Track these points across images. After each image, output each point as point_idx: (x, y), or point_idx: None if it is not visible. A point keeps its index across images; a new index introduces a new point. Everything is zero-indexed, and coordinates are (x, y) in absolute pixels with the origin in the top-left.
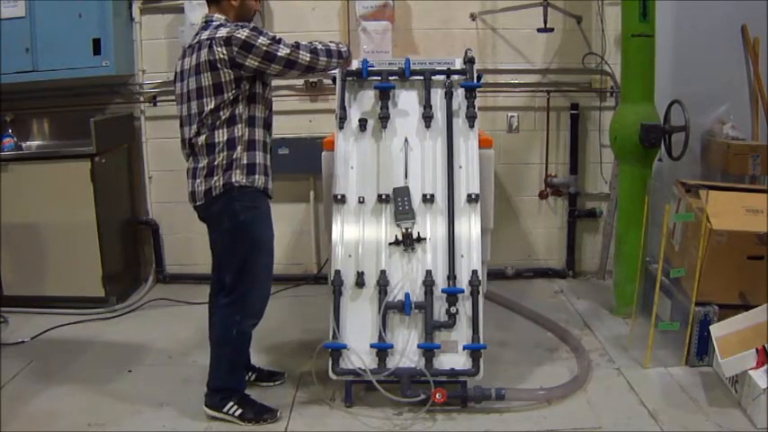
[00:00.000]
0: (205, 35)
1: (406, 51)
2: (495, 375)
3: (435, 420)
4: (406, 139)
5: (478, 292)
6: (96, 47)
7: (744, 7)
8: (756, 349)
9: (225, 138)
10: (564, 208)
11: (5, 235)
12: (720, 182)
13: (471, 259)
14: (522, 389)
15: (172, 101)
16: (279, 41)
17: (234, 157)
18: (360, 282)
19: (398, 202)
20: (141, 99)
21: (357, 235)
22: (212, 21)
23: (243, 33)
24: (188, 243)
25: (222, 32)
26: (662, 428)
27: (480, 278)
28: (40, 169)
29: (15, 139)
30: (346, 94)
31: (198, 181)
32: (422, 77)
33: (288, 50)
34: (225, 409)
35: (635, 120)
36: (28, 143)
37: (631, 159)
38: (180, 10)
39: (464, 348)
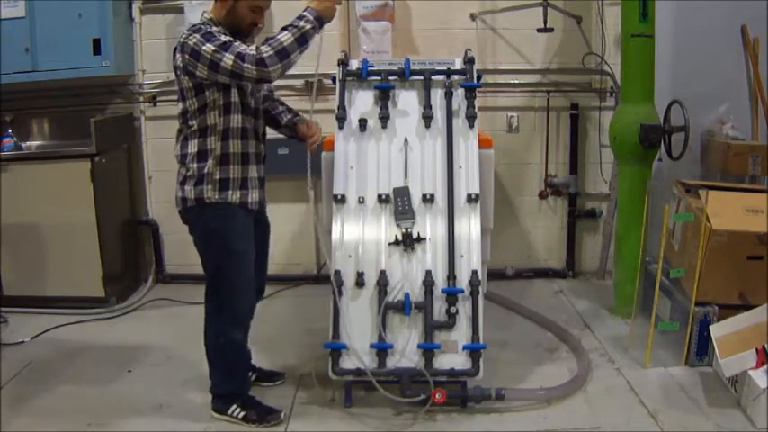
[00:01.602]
0: None
1: (406, 51)
2: (495, 375)
3: (435, 420)
4: (405, 139)
5: (478, 292)
6: (96, 47)
7: (744, 7)
8: (756, 349)
9: (195, 149)
10: (564, 208)
11: (5, 235)
12: (720, 182)
13: (471, 259)
14: (522, 389)
15: (172, 101)
16: (226, 48)
17: (205, 171)
18: (360, 282)
19: (398, 202)
20: (141, 99)
21: (357, 235)
22: (202, 19)
23: (192, 40)
24: (188, 243)
25: (182, 37)
26: (662, 428)
27: (480, 278)
28: (40, 169)
29: (15, 139)
30: (346, 94)
31: (176, 187)
32: (422, 77)
33: (231, 62)
34: (229, 412)
35: (635, 120)
36: (28, 143)
37: (631, 159)
38: (180, 10)
39: (464, 348)
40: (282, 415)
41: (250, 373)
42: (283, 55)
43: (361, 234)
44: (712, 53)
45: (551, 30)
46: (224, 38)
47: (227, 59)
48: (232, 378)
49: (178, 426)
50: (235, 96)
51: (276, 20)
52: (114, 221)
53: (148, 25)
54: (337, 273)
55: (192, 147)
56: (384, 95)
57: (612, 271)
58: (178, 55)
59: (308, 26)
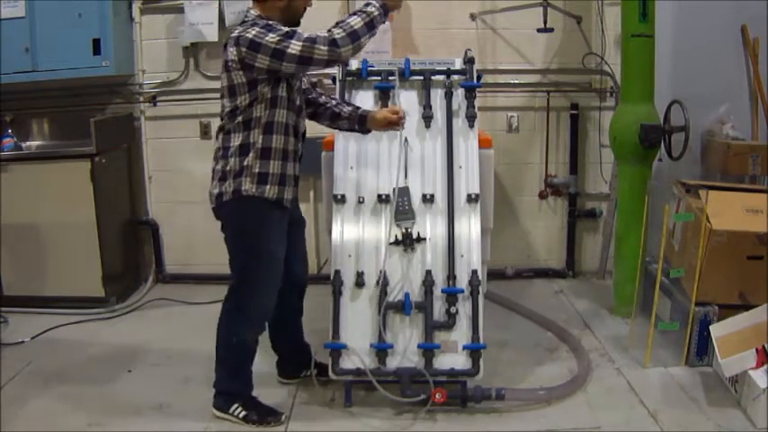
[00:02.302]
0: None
1: (406, 51)
2: (495, 375)
3: (435, 420)
4: (406, 139)
5: (478, 292)
6: (96, 47)
7: (744, 7)
8: (756, 349)
9: (239, 142)
10: (564, 208)
11: (5, 235)
12: (720, 182)
13: (471, 259)
14: (522, 389)
15: (172, 101)
16: (291, 36)
17: (245, 163)
18: (360, 282)
19: (398, 202)
20: (141, 99)
21: (357, 235)
22: (246, 18)
23: (251, 32)
24: (188, 243)
25: (236, 32)
26: (662, 428)
27: (480, 278)
28: (40, 169)
29: (15, 139)
30: (346, 95)
31: (214, 183)
32: (422, 77)
33: (299, 47)
34: (230, 411)
35: (635, 120)
36: (28, 143)
37: (631, 159)
38: (180, 10)
39: (464, 348)
40: (283, 417)
41: (313, 370)
42: (354, 37)
43: (361, 234)
44: (712, 53)
45: (551, 30)
46: (285, 29)
47: (295, 45)
48: (237, 377)
49: (178, 426)
50: (282, 91)
51: None
52: (114, 221)
53: (148, 25)
54: (337, 273)
55: (236, 140)
56: (384, 95)
57: (612, 271)
58: (231, 49)
59: (376, 12)
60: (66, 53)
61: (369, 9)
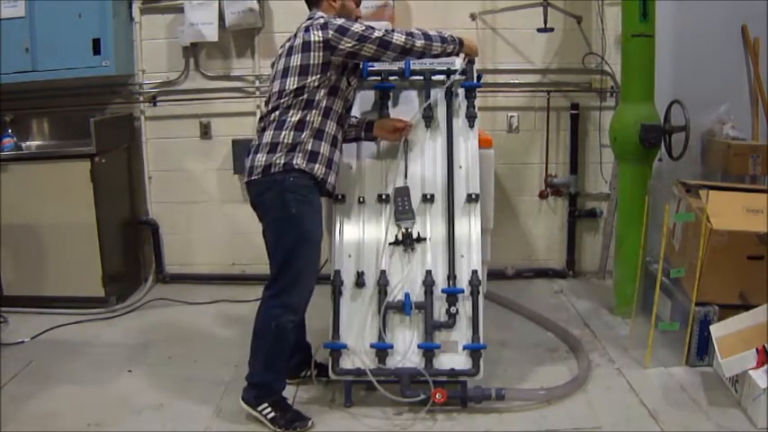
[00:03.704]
0: (304, 25)
1: None
2: (495, 375)
3: (435, 420)
4: (406, 139)
5: (478, 292)
6: (96, 47)
7: (744, 7)
8: (756, 349)
9: (296, 119)
10: (564, 208)
11: (5, 235)
12: (720, 182)
13: (471, 259)
14: (522, 389)
15: (172, 101)
16: (373, 28)
17: (299, 139)
18: (360, 282)
19: (398, 202)
20: (141, 99)
21: (357, 235)
22: (314, 17)
23: (339, 21)
24: (188, 243)
25: (320, 20)
26: (662, 428)
27: (480, 278)
28: (40, 169)
29: (15, 139)
30: None
31: (259, 156)
32: (422, 77)
33: (381, 33)
34: (259, 408)
35: (635, 120)
36: (28, 143)
37: (631, 159)
38: (180, 10)
39: (464, 348)
40: (310, 422)
41: (313, 370)
42: (426, 37)
43: (361, 234)
44: (712, 53)
45: (551, 29)
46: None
47: (378, 32)
48: (272, 368)
49: (178, 426)
50: (343, 84)
51: (276, 20)
52: (114, 221)
53: (148, 25)
54: (337, 273)
55: (294, 116)
56: (384, 95)
57: (612, 271)
58: (316, 32)
59: (449, 36)
60: (66, 53)
61: (446, 35)
